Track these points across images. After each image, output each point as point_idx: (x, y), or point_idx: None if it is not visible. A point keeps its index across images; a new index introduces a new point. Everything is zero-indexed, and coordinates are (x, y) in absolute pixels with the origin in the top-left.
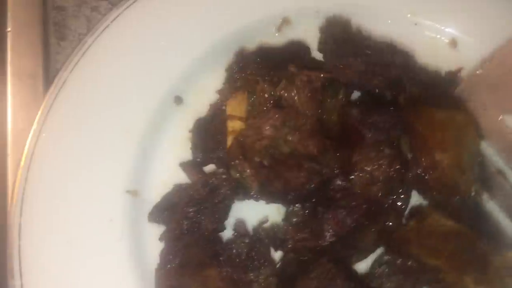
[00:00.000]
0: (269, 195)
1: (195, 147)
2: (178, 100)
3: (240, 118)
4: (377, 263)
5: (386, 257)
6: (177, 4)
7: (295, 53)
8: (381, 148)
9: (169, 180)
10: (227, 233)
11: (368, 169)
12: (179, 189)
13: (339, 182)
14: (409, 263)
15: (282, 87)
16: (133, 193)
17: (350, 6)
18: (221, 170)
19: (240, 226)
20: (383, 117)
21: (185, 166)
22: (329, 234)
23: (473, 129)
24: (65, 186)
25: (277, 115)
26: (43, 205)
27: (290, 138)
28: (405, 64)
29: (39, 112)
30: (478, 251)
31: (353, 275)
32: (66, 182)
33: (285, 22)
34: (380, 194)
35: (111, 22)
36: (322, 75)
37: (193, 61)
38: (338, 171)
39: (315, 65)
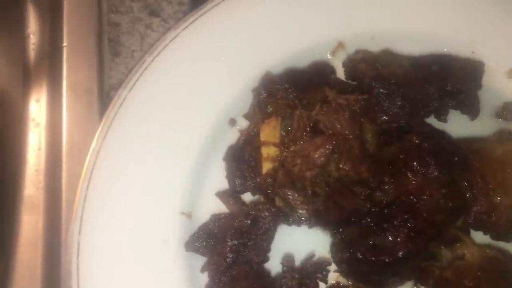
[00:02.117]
0: (322, 222)
1: (231, 176)
2: (232, 122)
3: (274, 144)
4: None
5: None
6: (235, 27)
7: (320, 73)
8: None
9: (221, 202)
10: (274, 268)
11: (436, 195)
12: (217, 218)
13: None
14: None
15: (321, 112)
16: (188, 215)
17: (406, 33)
18: (261, 199)
19: (288, 261)
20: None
21: (222, 195)
22: (402, 246)
23: None
24: (123, 206)
25: (326, 142)
26: (101, 224)
27: (343, 166)
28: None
29: (99, 130)
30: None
31: None
32: (123, 202)
33: (340, 46)
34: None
35: (170, 42)
36: (360, 98)
37: (248, 84)
38: (392, 193)
39: (340, 86)
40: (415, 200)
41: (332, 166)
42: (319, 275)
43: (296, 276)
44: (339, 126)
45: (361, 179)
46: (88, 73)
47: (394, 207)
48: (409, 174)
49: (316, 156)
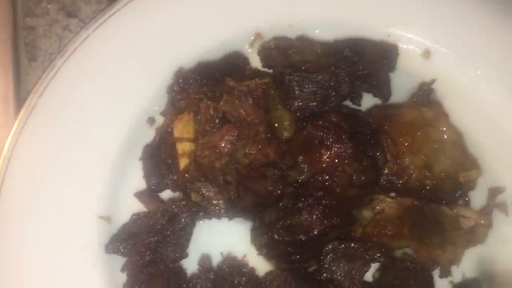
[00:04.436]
0: (238, 210)
1: (147, 175)
2: (151, 121)
3: (188, 139)
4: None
5: (329, 246)
6: (148, 24)
7: (234, 64)
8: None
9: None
10: (191, 267)
11: (349, 171)
12: (137, 218)
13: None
14: (352, 245)
15: (224, 101)
16: (106, 218)
17: (323, 20)
18: (179, 196)
19: (205, 261)
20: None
21: (140, 195)
22: (317, 224)
23: (444, 120)
24: (38, 213)
25: (230, 130)
26: (16, 233)
27: (249, 151)
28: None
29: (9, 139)
30: (429, 215)
31: (306, 277)
32: (38, 209)
33: (258, 37)
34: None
35: (80, 43)
36: (260, 82)
37: (166, 81)
38: (306, 172)
39: (256, 75)
40: (328, 178)
41: (240, 153)
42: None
43: (211, 276)
44: (243, 113)
45: (270, 161)
46: (4, 79)
47: (308, 185)
48: (323, 151)
49: (223, 145)
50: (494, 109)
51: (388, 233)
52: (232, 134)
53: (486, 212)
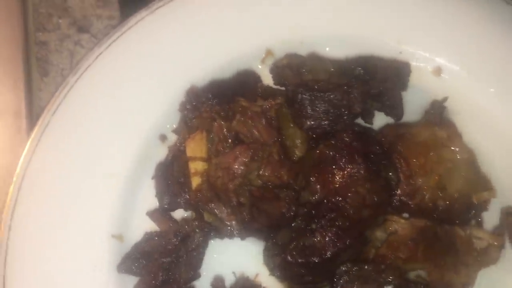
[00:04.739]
0: (251, 231)
1: (160, 194)
2: (163, 138)
3: (201, 159)
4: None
5: (343, 268)
6: (161, 42)
7: (245, 82)
8: (372, 175)
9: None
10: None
11: (362, 192)
12: (149, 237)
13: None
14: (365, 267)
15: (237, 121)
16: (119, 237)
17: (334, 36)
18: (191, 216)
19: (218, 282)
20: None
21: (152, 214)
22: (331, 246)
23: (457, 140)
24: (50, 232)
25: (244, 152)
26: (28, 253)
27: (262, 172)
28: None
29: (22, 157)
30: (442, 236)
31: None
32: (50, 228)
33: (269, 54)
34: (369, 218)
35: (93, 61)
36: (274, 103)
37: (178, 98)
38: (319, 193)
39: (268, 93)
40: (340, 199)
41: (254, 174)
42: None
43: None
44: (257, 134)
45: (284, 183)
46: (16, 95)
47: (321, 206)
48: (335, 172)
49: (236, 166)
50: (506, 127)
51: (402, 255)
52: (245, 155)
53: (499, 232)
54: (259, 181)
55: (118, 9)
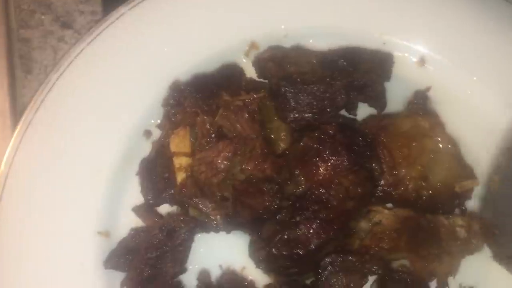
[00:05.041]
0: (236, 224)
1: (145, 190)
2: (148, 134)
3: (185, 154)
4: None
5: (327, 260)
6: (142, 38)
7: (229, 76)
8: (355, 167)
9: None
10: (190, 280)
11: (346, 183)
12: (135, 233)
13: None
14: (349, 257)
15: (220, 116)
16: (105, 234)
17: (318, 28)
18: (176, 210)
19: (204, 276)
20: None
21: (138, 210)
22: (315, 238)
23: (440, 130)
24: (36, 230)
25: (227, 146)
26: (14, 252)
27: (245, 166)
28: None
29: (6, 155)
30: (426, 226)
31: None
32: (36, 226)
33: (253, 47)
34: (353, 209)
35: (75, 57)
36: (256, 97)
37: (162, 93)
38: (303, 185)
39: (252, 86)
40: (324, 191)
41: (237, 169)
42: None
43: None
44: (239, 128)
45: (267, 177)
46: (0, 93)
47: (305, 198)
48: (319, 164)
49: (219, 161)
50: (489, 116)
51: (385, 246)
52: (228, 150)
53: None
54: (242, 175)
55: (101, 4)
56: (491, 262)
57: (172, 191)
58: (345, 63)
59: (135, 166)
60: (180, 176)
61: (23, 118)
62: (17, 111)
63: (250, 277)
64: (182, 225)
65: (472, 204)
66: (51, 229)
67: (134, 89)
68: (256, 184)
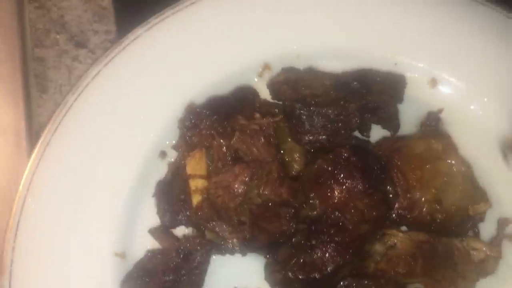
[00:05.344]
0: (252, 248)
1: (161, 211)
2: (163, 154)
3: (201, 176)
4: None
5: (342, 283)
6: (158, 60)
7: (243, 99)
8: (370, 190)
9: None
10: None
11: (360, 207)
12: (152, 255)
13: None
14: (366, 282)
15: (237, 139)
16: (121, 255)
17: (330, 49)
18: (193, 233)
19: None
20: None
21: (154, 232)
22: (331, 261)
23: (453, 152)
24: (53, 251)
25: (244, 171)
26: (32, 273)
27: (262, 191)
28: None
29: (24, 177)
30: (441, 250)
31: None
32: (53, 246)
33: (266, 68)
34: (367, 232)
35: (92, 79)
36: (272, 121)
37: (177, 115)
38: (319, 208)
39: (267, 108)
40: (339, 214)
41: (254, 193)
42: None
43: None
44: (256, 152)
45: (284, 201)
46: (15, 112)
47: (321, 222)
48: (334, 187)
49: (236, 185)
50: (501, 137)
51: (401, 270)
52: (245, 174)
53: (496, 243)
54: (259, 199)
55: (115, 23)
56: (504, 284)
57: (188, 213)
58: (358, 85)
59: (151, 187)
60: (196, 199)
61: (40, 140)
62: (32, 130)
63: None
64: (198, 248)
65: (485, 226)
66: (69, 251)
67: (150, 111)
68: (273, 208)
